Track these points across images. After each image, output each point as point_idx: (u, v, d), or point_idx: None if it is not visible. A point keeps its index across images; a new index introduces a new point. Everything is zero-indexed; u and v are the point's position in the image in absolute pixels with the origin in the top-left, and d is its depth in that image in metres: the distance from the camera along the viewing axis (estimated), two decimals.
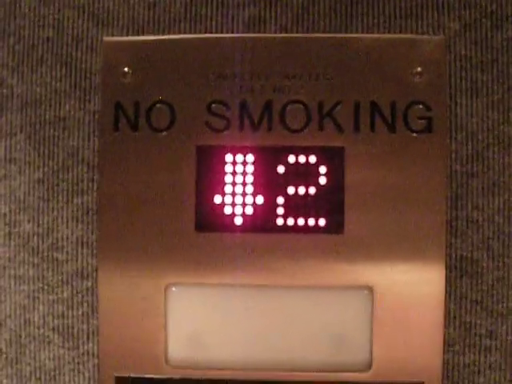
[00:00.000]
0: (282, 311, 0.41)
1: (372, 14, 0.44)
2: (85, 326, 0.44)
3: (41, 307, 0.45)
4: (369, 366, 0.41)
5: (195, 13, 0.44)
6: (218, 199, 0.41)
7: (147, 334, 0.41)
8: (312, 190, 0.41)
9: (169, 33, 0.44)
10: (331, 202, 0.41)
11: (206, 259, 0.41)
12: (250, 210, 0.41)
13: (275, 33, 0.44)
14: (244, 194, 0.41)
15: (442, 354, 0.40)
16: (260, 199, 0.41)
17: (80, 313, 0.44)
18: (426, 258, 0.41)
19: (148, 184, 0.41)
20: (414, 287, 0.41)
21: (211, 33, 0.44)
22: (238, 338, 0.42)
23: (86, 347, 0.44)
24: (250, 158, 0.41)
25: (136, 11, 0.44)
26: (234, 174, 0.41)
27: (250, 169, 0.41)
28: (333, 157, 0.41)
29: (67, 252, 0.44)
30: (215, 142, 0.42)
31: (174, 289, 0.41)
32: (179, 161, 0.41)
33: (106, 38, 0.42)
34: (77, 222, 0.44)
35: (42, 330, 0.45)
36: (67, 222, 0.44)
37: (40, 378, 0.45)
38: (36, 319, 0.45)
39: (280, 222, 0.41)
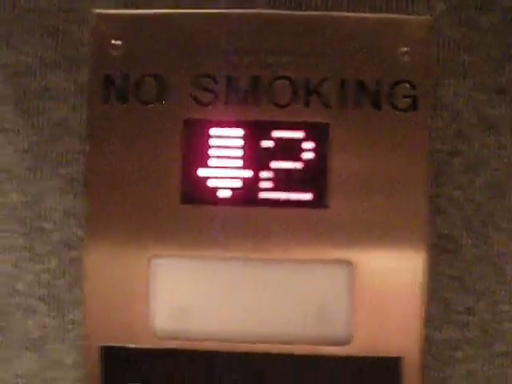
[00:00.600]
0: (265, 284, 0.42)
1: None
2: (70, 296, 0.45)
3: (27, 276, 0.45)
4: (348, 340, 0.42)
5: None
6: (203, 172, 0.42)
7: (132, 305, 0.42)
8: (297, 165, 0.42)
9: (158, 7, 0.44)
10: (316, 177, 0.42)
11: (190, 232, 0.42)
12: (235, 184, 0.42)
13: (264, 9, 0.45)
14: (229, 168, 0.42)
15: (421, 329, 0.41)
16: (245, 173, 0.42)
17: (66, 282, 0.45)
18: (407, 234, 0.41)
19: (135, 156, 0.42)
20: (394, 263, 0.41)
21: (200, 8, 0.44)
22: (221, 310, 0.42)
23: (71, 316, 0.45)
24: (236, 132, 0.42)
25: None
26: (219, 147, 0.42)
27: (236, 143, 0.42)
28: (318, 132, 0.42)
29: (54, 222, 0.45)
30: (202, 115, 0.42)
31: (159, 260, 0.42)
32: (166, 134, 0.42)
33: (97, 11, 0.43)
34: (64, 192, 0.45)
35: (28, 299, 0.45)
36: (54, 192, 0.45)
37: (27, 347, 0.45)
38: (22, 288, 0.45)
39: (264, 195, 0.42)
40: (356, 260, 0.42)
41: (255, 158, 0.42)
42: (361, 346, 0.42)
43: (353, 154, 0.42)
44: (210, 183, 0.42)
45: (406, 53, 0.41)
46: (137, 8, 0.44)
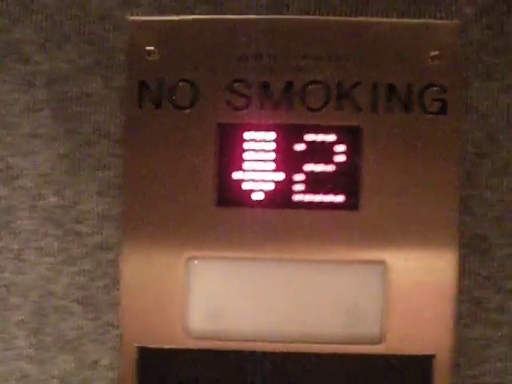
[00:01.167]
0: (299, 285, 0.43)
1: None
2: (106, 297, 0.46)
3: (63, 279, 0.46)
4: (381, 339, 0.43)
5: None
6: (238, 175, 0.43)
7: (168, 305, 0.43)
8: (329, 168, 0.43)
9: (193, 13, 0.45)
10: (348, 180, 0.42)
11: (225, 233, 0.43)
12: (269, 187, 0.43)
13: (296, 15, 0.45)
14: (263, 171, 0.43)
15: (453, 327, 0.42)
16: (279, 176, 0.43)
17: (102, 284, 0.46)
18: (439, 235, 0.42)
19: (171, 160, 0.43)
20: (427, 263, 0.42)
21: (233, 14, 0.45)
22: (256, 311, 0.43)
23: (106, 318, 0.46)
24: (270, 135, 0.43)
25: None
26: (254, 151, 0.43)
27: (270, 146, 0.43)
28: (351, 136, 0.43)
29: (91, 225, 0.46)
30: (236, 120, 0.43)
31: (195, 262, 0.43)
32: (201, 138, 0.43)
33: (132, 18, 0.44)
34: (100, 195, 0.45)
35: (64, 302, 0.46)
36: (91, 195, 0.45)
37: (63, 348, 0.46)
38: (58, 290, 0.46)
39: (298, 198, 0.43)
40: (389, 260, 0.42)
41: (288, 161, 0.43)
42: (393, 344, 0.42)
43: (384, 156, 0.42)
44: (245, 186, 0.43)
45: (435, 57, 0.42)
46: (171, 15, 0.44)
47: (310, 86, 0.43)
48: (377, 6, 0.45)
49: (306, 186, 0.43)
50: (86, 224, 0.46)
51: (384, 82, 0.42)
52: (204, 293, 0.43)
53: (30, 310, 0.46)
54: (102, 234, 0.45)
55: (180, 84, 0.43)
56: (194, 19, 0.44)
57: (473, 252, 0.45)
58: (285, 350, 0.43)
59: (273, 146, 0.43)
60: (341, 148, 0.43)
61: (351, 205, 0.42)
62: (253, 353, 0.43)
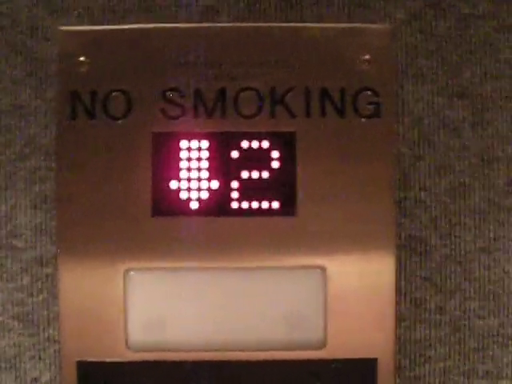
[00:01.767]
0: (238, 293, 0.43)
1: (322, 4, 0.45)
2: (45, 313, 0.45)
3: (0, 295, 0.45)
4: (323, 344, 0.42)
5: (150, 3, 0.45)
6: (173, 184, 0.42)
7: (107, 318, 0.42)
8: (265, 174, 0.42)
9: (124, 22, 0.45)
10: (283, 186, 0.42)
11: (162, 244, 0.42)
12: (205, 195, 0.42)
13: (228, 23, 0.45)
14: (199, 179, 0.42)
15: (394, 330, 0.42)
16: (215, 184, 0.42)
17: (40, 299, 0.45)
18: (376, 238, 0.42)
19: (106, 171, 0.42)
20: (365, 266, 0.42)
21: (166, 23, 0.45)
22: (196, 320, 0.43)
23: (46, 334, 0.45)
24: (205, 144, 0.42)
25: (91, 0, 0.45)
26: (189, 159, 0.42)
27: (205, 154, 0.42)
28: (285, 142, 0.42)
29: (26, 240, 0.45)
30: (171, 128, 0.43)
31: (132, 273, 0.42)
32: (136, 148, 0.42)
33: (62, 28, 0.43)
34: (35, 209, 0.45)
35: (1, 318, 0.45)
36: (25, 209, 0.45)
37: (1, 366, 0.45)
38: None
39: (234, 205, 0.42)
40: (327, 265, 0.42)
41: (223, 169, 0.43)
42: (335, 349, 0.42)
43: (319, 161, 0.42)
44: (181, 195, 0.42)
45: (367, 61, 0.42)
46: (103, 24, 0.44)
47: (242, 93, 0.42)
48: (309, 11, 0.45)
49: (242, 193, 0.42)
50: (22, 239, 0.45)
51: (317, 87, 0.42)
52: (143, 304, 0.42)
53: None
54: (38, 248, 0.45)
55: (113, 94, 0.43)
56: (125, 28, 0.43)
57: (411, 254, 0.45)
58: (226, 359, 0.42)
59: (208, 154, 0.43)
60: (275, 154, 0.42)
61: (288, 211, 0.42)
62: (194, 363, 0.42)
